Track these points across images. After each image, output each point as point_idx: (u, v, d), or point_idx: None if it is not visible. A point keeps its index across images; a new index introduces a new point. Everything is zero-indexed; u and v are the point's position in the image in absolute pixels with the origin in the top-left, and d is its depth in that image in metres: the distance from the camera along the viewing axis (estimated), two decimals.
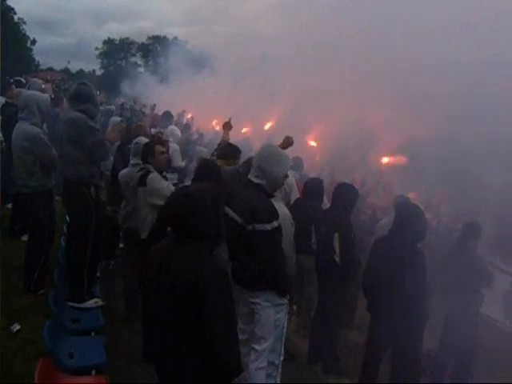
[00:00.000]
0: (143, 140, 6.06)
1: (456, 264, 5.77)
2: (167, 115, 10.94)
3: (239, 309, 4.18)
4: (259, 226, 3.81)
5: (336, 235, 5.12)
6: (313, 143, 10.94)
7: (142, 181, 5.36)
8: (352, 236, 5.21)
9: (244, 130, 12.14)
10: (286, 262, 4.10)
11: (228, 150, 5.68)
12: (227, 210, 4.07)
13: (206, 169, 4.79)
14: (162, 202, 4.64)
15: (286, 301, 4.07)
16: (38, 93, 6.33)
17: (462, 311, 5.58)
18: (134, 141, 6.10)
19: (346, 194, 5.37)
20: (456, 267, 5.73)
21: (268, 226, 3.81)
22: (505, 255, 8.56)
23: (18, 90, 8.45)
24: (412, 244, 4.50)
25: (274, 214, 3.88)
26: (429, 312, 4.65)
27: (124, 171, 5.94)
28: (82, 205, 5.20)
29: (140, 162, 5.65)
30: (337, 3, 11.73)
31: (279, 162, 4.03)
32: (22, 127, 5.70)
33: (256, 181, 3.99)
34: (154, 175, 5.33)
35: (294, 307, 6.23)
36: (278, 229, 3.90)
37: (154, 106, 12.83)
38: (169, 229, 2.84)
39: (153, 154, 5.50)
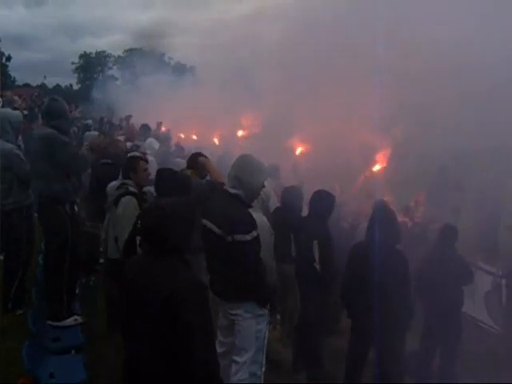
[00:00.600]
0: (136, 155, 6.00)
1: (436, 263, 5.84)
2: (145, 128, 10.85)
3: (218, 321, 4.15)
4: (238, 237, 3.80)
5: (315, 243, 5.12)
6: (298, 150, 10.92)
7: (117, 200, 5.21)
8: (331, 243, 5.21)
9: (215, 139, 12.08)
10: (266, 271, 4.09)
11: (190, 158, 5.66)
12: (205, 221, 4.05)
13: (174, 181, 4.66)
14: (125, 230, 4.63)
15: (266, 311, 4.05)
16: (9, 110, 6.33)
17: (443, 310, 5.64)
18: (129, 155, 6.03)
19: (322, 201, 5.38)
20: (436, 266, 5.79)
21: (248, 237, 3.81)
22: (486, 255, 8.67)
23: None
24: (389, 246, 4.54)
25: (252, 224, 3.88)
26: (412, 312, 4.69)
27: (111, 184, 5.77)
28: (56, 221, 5.18)
29: None
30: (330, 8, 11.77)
31: (256, 171, 4.04)
32: None
33: (233, 191, 3.99)
34: (127, 199, 5.13)
35: (278, 316, 6.21)
36: (257, 238, 3.90)
37: (129, 116, 12.49)
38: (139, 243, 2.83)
39: (135, 170, 5.40)
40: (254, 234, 3.86)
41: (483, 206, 10.21)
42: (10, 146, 5.67)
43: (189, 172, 5.38)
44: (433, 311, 5.79)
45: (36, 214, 6.18)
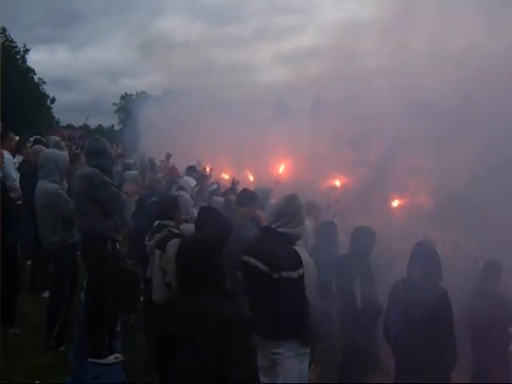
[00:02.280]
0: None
1: (480, 303, 5.66)
2: (191, 169, 10.73)
3: (258, 361, 4.09)
4: (285, 274, 3.79)
5: (357, 279, 5.05)
6: (334, 185, 10.90)
7: (162, 244, 5.09)
8: (372, 280, 5.13)
9: (250, 177, 12.09)
10: (310, 309, 4.05)
11: (245, 197, 5.72)
12: (247, 258, 4.07)
13: (216, 220, 4.72)
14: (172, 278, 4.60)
15: (308, 350, 3.98)
16: (56, 151, 6.51)
17: (490, 351, 5.43)
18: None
19: (364, 238, 5.33)
20: (480, 307, 5.61)
21: (294, 274, 3.81)
22: None
23: (38, 146, 8.63)
24: (432, 284, 4.43)
25: (299, 262, 3.88)
26: (457, 354, 4.52)
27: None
28: (98, 259, 5.24)
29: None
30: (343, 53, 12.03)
31: (302, 210, 4.12)
32: (42, 185, 5.85)
33: (280, 229, 4.01)
34: (175, 242, 4.87)
35: (317, 355, 6.08)
36: (303, 276, 3.89)
37: (169, 155, 12.47)
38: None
39: (178, 210, 5.42)
40: (301, 271, 3.85)
41: None
42: (53, 186, 5.82)
43: (243, 210, 5.47)
44: (479, 351, 5.60)
45: (79, 252, 6.35)
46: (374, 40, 11.93)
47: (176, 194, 6.13)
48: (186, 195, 6.59)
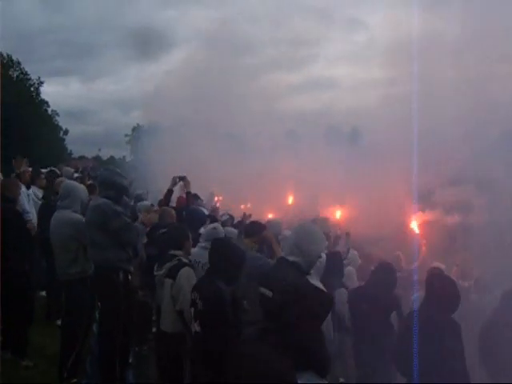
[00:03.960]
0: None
1: (498, 334, 5.57)
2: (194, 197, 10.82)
3: None
4: None
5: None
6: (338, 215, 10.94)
7: (172, 273, 5.08)
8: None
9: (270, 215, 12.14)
10: (325, 339, 4.02)
11: (252, 228, 5.76)
12: (262, 290, 4.07)
13: (230, 254, 4.68)
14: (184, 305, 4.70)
15: (326, 381, 3.94)
16: (77, 183, 6.59)
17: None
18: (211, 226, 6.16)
19: (387, 274, 5.38)
20: (498, 337, 5.53)
21: None
22: None
23: (60, 179, 8.65)
24: (445, 316, 4.40)
25: (313, 292, 3.84)
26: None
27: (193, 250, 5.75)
28: (110, 290, 5.24)
29: None
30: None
31: (316, 240, 4.08)
32: (65, 215, 5.84)
33: (292, 259, 4.00)
34: (186, 270, 5.03)
35: None
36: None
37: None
38: None
39: (188, 239, 5.42)
40: None
41: None
42: (78, 216, 5.82)
43: (247, 241, 5.49)
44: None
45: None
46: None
47: (213, 226, 6.15)
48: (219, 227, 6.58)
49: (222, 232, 6.13)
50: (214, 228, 6.02)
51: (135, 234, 5.64)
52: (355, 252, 7.74)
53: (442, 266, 6.86)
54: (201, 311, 4.37)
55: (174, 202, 8.16)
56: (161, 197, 8.12)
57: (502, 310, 5.79)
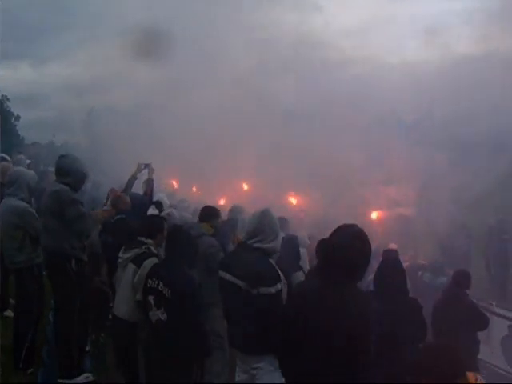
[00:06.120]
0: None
1: (448, 310, 5.77)
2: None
3: (236, 378, 4.10)
4: (263, 290, 3.82)
5: None
6: (293, 201, 11.08)
7: (138, 260, 4.99)
8: None
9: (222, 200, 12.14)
10: None
11: (206, 213, 5.78)
12: (223, 274, 4.08)
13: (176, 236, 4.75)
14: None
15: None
16: (25, 170, 6.43)
17: None
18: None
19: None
20: (448, 313, 5.72)
21: (272, 289, 3.84)
22: (500, 300, 8.59)
23: (6, 164, 8.39)
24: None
25: (277, 277, 3.91)
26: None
27: None
28: (64, 278, 5.17)
29: None
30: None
31: (277, 225, 4.16)
32: (10, 203, 5.74)
33: (256, 245, 4.03)
34: (152, 261, 4.89)
35: None
36: (281, 291, 3.91)
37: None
38: None
39: (162, 231, 5.30)
40: (279, 286, 3.88)
41: (495, 251, 10.29)
42: (23, 204, 5.73)
43: (203, 225, 5.48)
44: None
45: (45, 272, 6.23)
46: None
47: (167, 212, 6.07)
48: (174, 213, 6.50)
49: (177, 218, 6.08)
50: (168, 214, 5.97)
51: (90, 224, 5.53)
52: (304, 233, 7.89)
53: (395, 247, 7.06)
54: (169, 299, 4.32)
55: (139, 190, 7.97)
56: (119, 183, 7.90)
57: (452, 289, 6.02)
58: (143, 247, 5.10)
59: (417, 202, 10.56)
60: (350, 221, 3.36)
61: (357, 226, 3.18)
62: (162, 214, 6.18)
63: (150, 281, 4.51)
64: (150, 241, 5.19)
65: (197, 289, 4.38)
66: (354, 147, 10.78)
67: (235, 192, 12.13)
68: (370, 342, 2.99)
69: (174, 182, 12.49)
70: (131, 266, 5.01)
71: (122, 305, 5.02)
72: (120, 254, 5.26)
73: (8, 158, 10.53)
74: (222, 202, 11.05)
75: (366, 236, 3.11)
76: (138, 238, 5.21)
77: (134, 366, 4.87)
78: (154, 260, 4.94)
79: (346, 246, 3.02)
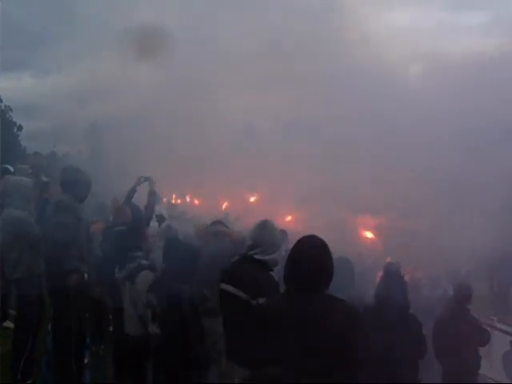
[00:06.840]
0: None
1: (452, 327, 5.74)
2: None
3: None
4: (263, 301, 3.76)
5: None
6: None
7: (132, 276, 5.00)
8: None
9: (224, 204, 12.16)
10: None
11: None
12: (224, 286, 4.07)
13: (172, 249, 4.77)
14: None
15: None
16: (19, 179, 6.41)
17: (459, 373, 5.50)
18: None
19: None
20: (452, 330, 5.69)
21: None
22: (501, 315, 8.56)
23: (7, 176, 8.41)
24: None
25: (277, 288, 3.90)
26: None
27: None
28: (62, 289, 5.11)
29: None
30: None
31: (278, 236, 4.20)
32: (9, 213, 5.72)
33: (257, 256, 4.03)
34: (144, 275, 4.93)
35: None
36: None
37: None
38: None
39: (145, 239, 5.34)
40: None
41: (495, 265, 10.25)
42: (23, 213, 5.71)
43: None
44: (449, 374, 5.66)
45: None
46: None
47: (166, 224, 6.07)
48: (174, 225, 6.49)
49: (176, 230, 6.06)
50: (168, 226, 5.96)
51: (70, 235, 5.48)
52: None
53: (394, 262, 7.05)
54: (159, 313, 4.35)
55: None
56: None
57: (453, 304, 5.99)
58: (134, 262, 5.07)
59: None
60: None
61: (314, 236, 3.13)
62: (162, 226, 6.17)
63: (148, 295, 4.52)
64: (139, 253, 5.17)
65: (183, 304, 4.33)
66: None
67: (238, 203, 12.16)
68: (356, 351, 2.90)
69: (174, 195, 12.50)
70: (127, 284, 5.03)
71: (129, 322, 5.01)
72: (116, 274, 5.24)
73: (11, 168, 10.54)
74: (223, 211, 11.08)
75: (325, 245, 3.05)
76: (129, 253, 5.17)
77: (139, 380, 4.84)
78: (147, 273, 4.95)
79: (301, 258, 2.99)
